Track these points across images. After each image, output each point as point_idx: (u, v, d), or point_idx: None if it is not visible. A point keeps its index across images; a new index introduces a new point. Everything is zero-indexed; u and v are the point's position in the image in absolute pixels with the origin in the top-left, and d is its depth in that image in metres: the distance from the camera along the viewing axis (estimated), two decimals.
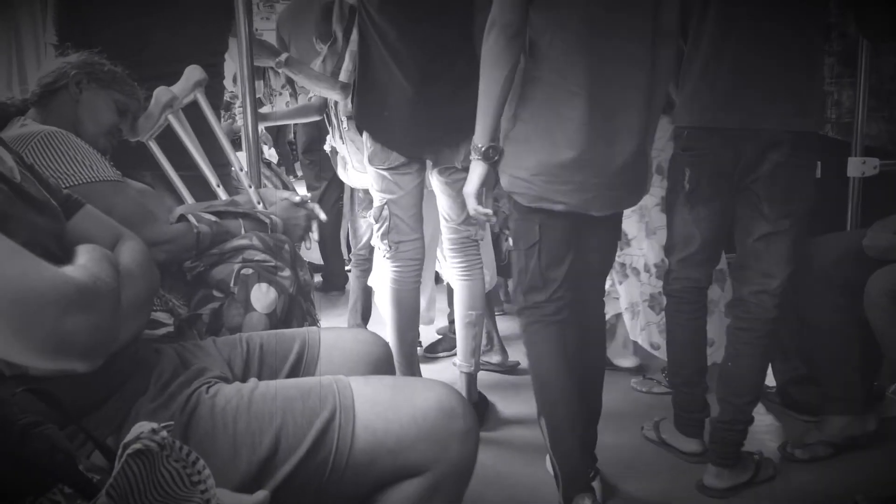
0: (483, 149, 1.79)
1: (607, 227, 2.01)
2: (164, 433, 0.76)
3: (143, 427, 0.76)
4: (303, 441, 1.07)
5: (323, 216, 1.82)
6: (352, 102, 2.42)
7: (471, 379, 2.57)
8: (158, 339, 1.43)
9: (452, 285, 2.62)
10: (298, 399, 1.10)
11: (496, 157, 1.82)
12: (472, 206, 1.86)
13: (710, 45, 1.99)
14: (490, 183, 1.87)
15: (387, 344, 1.53)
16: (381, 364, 1.46)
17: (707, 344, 2.30)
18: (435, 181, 2.44)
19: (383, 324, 2.56)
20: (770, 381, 2.57)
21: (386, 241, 2.39)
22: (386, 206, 2.37)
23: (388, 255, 2.41)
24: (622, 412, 2.59)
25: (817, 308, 2.25)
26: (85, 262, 1.03)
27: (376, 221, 2.39)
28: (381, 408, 1.10)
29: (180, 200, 1.92)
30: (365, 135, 2.34)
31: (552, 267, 1.91)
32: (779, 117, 1.95)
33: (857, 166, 2.55)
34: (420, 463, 1.11)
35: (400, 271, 2.42)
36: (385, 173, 2.33)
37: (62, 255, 1.12)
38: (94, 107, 1.71)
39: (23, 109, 1.68)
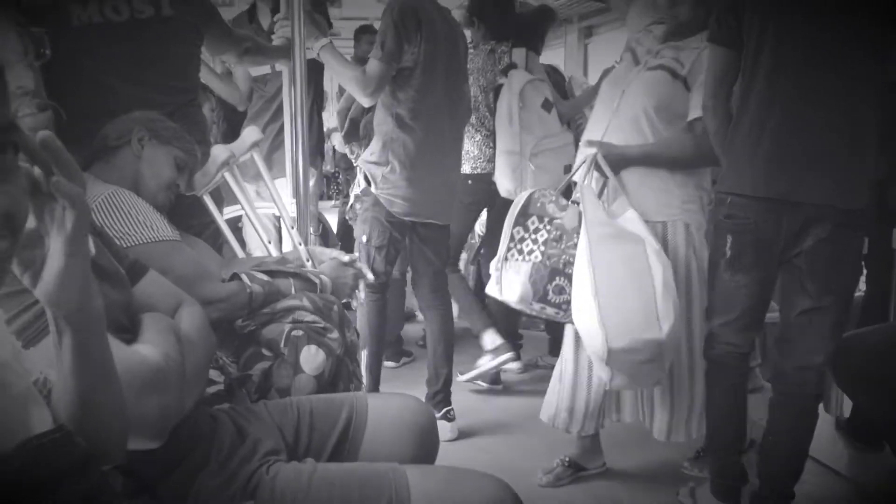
0: None
1: None
2: None
3: None
4: None
5: (370, 276, 1.85)
6: None
7: None
8: (210, 398, 1.46)
9: None
10: (356, 488, 1.11)
11: None
12: None
13: (756, 112, 1.98)
14: None
15: (431, 411, 1.54)
16: (426, 432, 1.47)
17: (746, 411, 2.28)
18: None
19: None
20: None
21: None
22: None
23: None
24: (656, 475, 2.57)
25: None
26: (154, 338, 1.06)
27: None
28: (435, 501, 1.12)
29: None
30: None
31: None
32: (821, 191, 1.92)
33: None
34: None
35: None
36: None
37: (129, 324, 1.16)
38: (154, 163, 1.75)
39: (85, 165, 1.74)
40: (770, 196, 1.97)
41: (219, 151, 1.86)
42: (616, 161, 2.24)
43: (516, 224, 2.23)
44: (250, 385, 1.54)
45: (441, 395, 2.86)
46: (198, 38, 2.18)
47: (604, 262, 2.04)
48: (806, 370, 2.01)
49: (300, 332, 1.58)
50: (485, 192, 3.25)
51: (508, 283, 2.19)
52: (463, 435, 2.88)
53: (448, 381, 2.88)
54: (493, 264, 2.25)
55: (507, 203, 3.29)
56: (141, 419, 0.89)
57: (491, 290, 2.26)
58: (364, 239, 2.68)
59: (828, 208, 1.93)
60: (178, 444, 1.10)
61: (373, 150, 2.66)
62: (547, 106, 3.13)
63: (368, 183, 2.67)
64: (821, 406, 2.37)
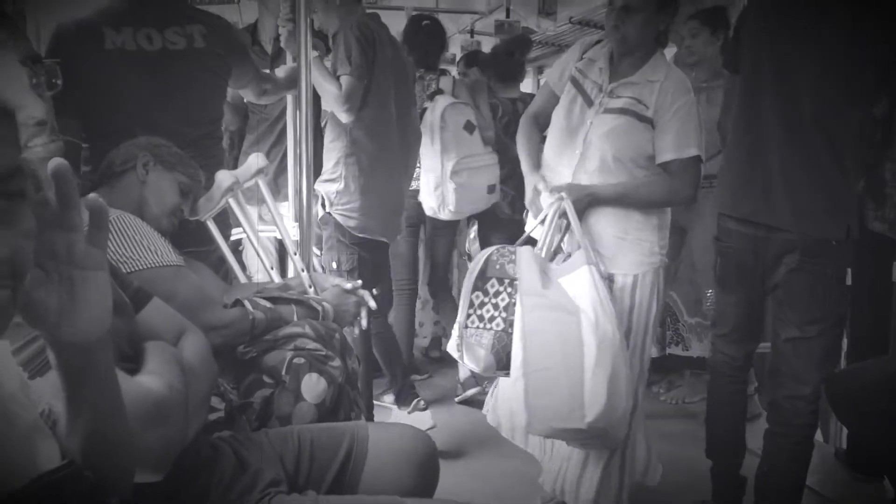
0: None
1: None
2: None
3: None
4: None
5: (373, 304, 1.85)
6: None
7: None
8: (211, 425, 1.46)
9: None
10: None
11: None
12: None
13: (734, 135, 2.14)
14: None
15: (432, 441, 1.54)
16: (427, 461, 1.47)
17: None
18: None
19: None
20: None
21: None
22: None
23: None
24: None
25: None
26: (157, 368, 1.07)
27: None
28: None
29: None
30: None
31: None
32: (781, 216, 1.99)
33: None
34: None
35: None
36: None
37: (132, 352, 1.16)
38: (159, 188, 1.77)
39: (90, 189, 1.75)
40: (738, 216, 2.09)
41: (223, 177, 1.87)
42: (585, 203, 2.09)
43: (475, 289, 2.03)
44: (251, 412, 1.54)
45: (405, 391, 3.03)
46: (226, 72, 2.22)
47: (536, 335, 1.88)
48: (796, 400, 2.03)
49: (302, 360, 1.58)
50: (414, 209, 3.35)
51: (471, 352, 2.00)
52: (453, 456, 2.88)
53: (403, 376, 3.08)
54: (454, 328, 2.06)
55: (494, 216, 3.52)
56: (145, 452, 0.89)
57: (452, 351, 2.08)
58: (333, 265, 2.70)
59: (796, 237, 1.98)
60: (179, 475, 1.10)
61: (325, 169, 2.70)
62: (469, 127, 3.24)
63: (324, 206, 2.72)
64: (820, 436, 2.39)
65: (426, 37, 3.44)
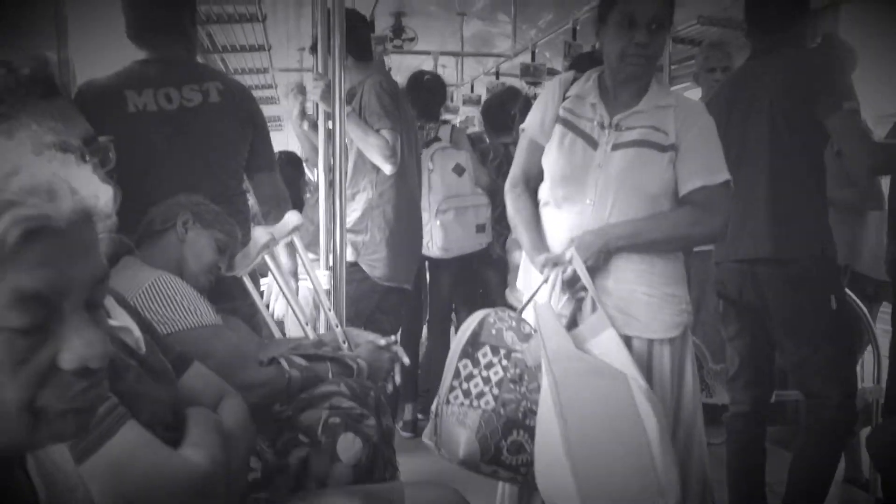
0: None
1: None
2: None
3: None
4: None
5: (406, 360, 1.86)
6: None
7: None
8: (249, 486, 1.47)
9: None
10: None
11: None
12: None
13: None
14: None
15: (463, 497, 1.53)
16: None
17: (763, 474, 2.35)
18: None
19: None
20: None
21: None
22: None
23: None
24: None
25: None
26: (200, 439, 1.08)
27: None
28: None
29: None
30: None
31: None
32: (768, 246, 2.14)
33: None
34: None
35: None
36: None
37: (173, 420, 1.17)
38: (198, 246, 1.80)
39: (131, 249, 1.78)
40: (732, 259, 2.24)
41: (259, 234, 1.90)
42: (596, 252, 1.74)
43: (463, 355, 1.68)
44: (288, 474, 1.54)
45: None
46: (244, 126, 2.22)
47: (576, 408, 1.51)
48: (823, 409, 2.15)
49: (338, 420, 1.59)
50: None
51: (450, 435, 1.65)
52: None
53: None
54: (432, 407, 1.74)
55: (488, 256, 3.64)
56: None
57: (427, 439, 1.73)
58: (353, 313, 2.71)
59: (778, 268, 2.13)
60: None
61: (352, 220, 2.75)
62: (458, 170, 3.42)
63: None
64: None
65: (427, 91, 3.65)
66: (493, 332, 1.70)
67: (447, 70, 7.38)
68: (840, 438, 2.19)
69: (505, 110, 3.86)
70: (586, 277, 1.71)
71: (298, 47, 6.49)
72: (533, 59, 5.24)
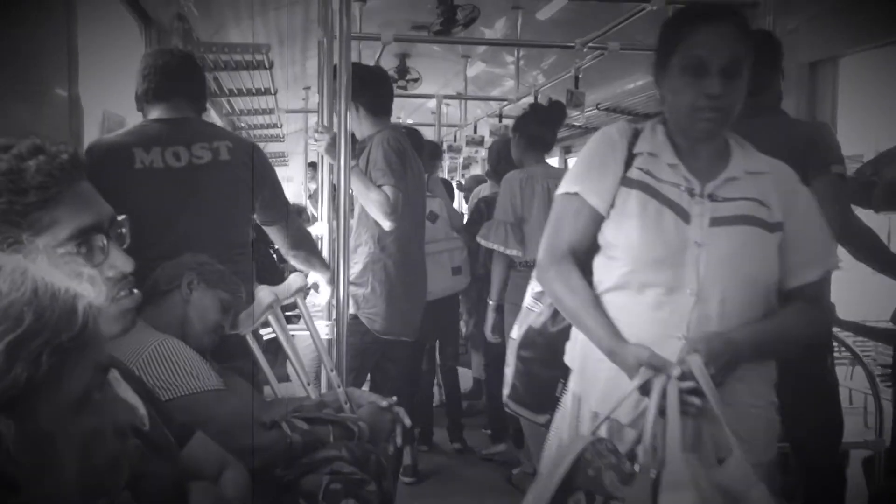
0: None
1: None
2: None
3: None
4: None
5: (408, 421, 1.86)
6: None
7: None
8: None
9: None
10: None
11: None
12: None
13: None
14: None
15: None
16: None
17: None
18: None
19: None
20: None
21: None
22: None
23: None
24: None
25: None
26: None
27: None
28: None
29: None
30: None
31: None
32: None
33: None
34: None
35: None
36: None
37: (174, 494, 1.18)
38: (202, 306, 1.81)
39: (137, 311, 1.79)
40: None
41: (264, 295, 1.91)
42: (725, 364, 1.38)
43: None
44: None
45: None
46: (254, 184, 2.23)
47: None
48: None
49: (339, 486, 1.58)
50: None
51: None
52: None
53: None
54: None
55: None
56: None
57: None
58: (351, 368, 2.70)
59: None
60: None
61: (353, 273, 2.75)
62: (431, 217, 3.53)
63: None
64: None
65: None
66: (591, 472, 1.32)
67: (451, 109, 7.47)
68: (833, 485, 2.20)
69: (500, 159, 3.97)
70: (713, 392, 1.34)
71: (304, 86, 6.60)
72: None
